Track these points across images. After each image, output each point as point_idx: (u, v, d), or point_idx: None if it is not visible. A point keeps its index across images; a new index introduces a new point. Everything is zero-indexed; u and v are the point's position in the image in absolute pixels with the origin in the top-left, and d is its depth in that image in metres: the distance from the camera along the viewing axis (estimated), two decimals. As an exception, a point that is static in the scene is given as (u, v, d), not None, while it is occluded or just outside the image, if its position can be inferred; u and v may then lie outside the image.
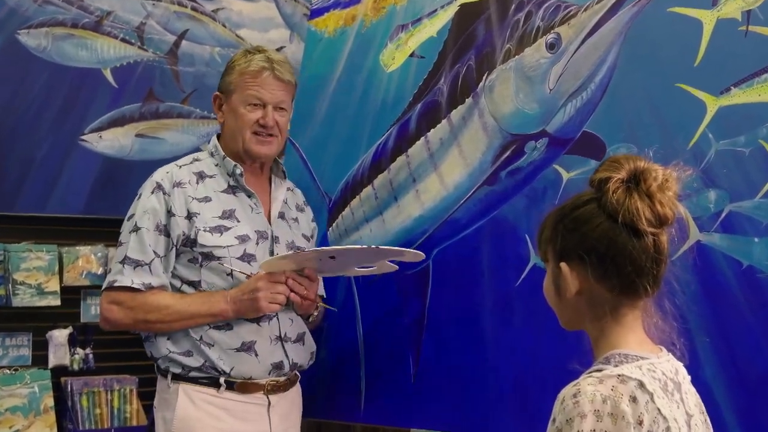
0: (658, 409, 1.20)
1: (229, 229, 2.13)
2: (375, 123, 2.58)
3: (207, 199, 2.14)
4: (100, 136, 3.10)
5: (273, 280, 2.07)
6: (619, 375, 1.21)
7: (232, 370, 2.09)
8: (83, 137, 3.08)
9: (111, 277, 2.10)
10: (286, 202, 2.30)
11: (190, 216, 2.10)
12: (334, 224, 2.61)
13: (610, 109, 2.05)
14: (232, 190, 2.19)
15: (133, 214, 2.12)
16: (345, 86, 2.71)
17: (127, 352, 2.95)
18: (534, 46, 2.20)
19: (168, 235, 2.09)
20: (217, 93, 2.24)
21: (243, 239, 2.13)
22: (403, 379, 2.34)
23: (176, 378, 2.10)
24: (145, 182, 2.17)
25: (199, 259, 2.10)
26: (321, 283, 2.38)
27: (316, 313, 2.26)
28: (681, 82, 1.92)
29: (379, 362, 2.41)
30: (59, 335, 2.93)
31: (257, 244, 2.16)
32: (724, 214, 1.85)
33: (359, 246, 2.08)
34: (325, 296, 2.42)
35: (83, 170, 3.08)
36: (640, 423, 1.18)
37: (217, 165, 2.21)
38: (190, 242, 2.09)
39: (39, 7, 3.03)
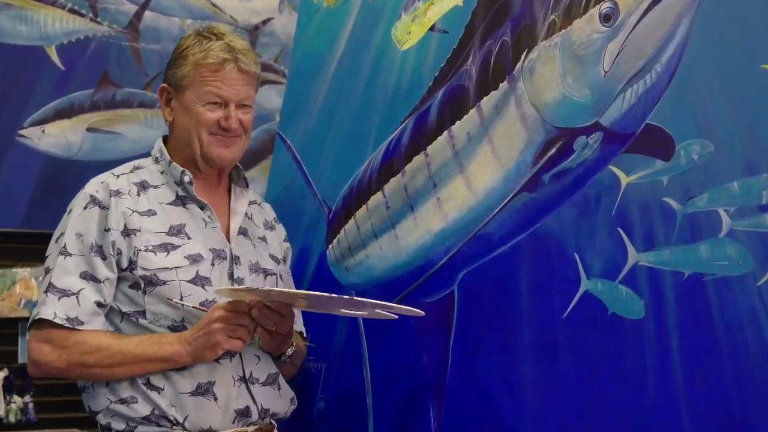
0: None
1: (178, 247, 2.19)
2: (386, 114, 2.60)
3: (151, 213, 2.22)
4: (43, 131, 3.12)
5: (234, 309, 2.11)
6: None
7: (186, 419, 2.13)
8: (22, 132, 3.11)
9: (36, 310, 2.15)
10: (250, 218, 2.37)
11: (128, 233, 2.17)
12: (335, 240, 2.63)
13: (679, 96, 2.06)
14: (181, 201, 2.26)
15: (62, 234, 2.19)
16: (348, 68, 2.73)
17: (74, 401, 2.93)
18: (585, 17, 2.21)
19: (104, 257, 2.16)
20: (165, 85, 2.31)
21: (195, 259, 2.19)
22: (421, 434, 2.36)
23: None
24: (76, 196, 2.25)
25: (142, 285, 2.15)
26: (300, 318, 2.42)
27: (289, 353, 2.30)
28: (768, 62, 1.94)
29: (391, 413, 2.43)
30: (-8, 379, 2.95)
31: (213, 264, 2.21)
32: (823, 228, 1.86)
33: (329, 294, 2.09)
34: (305, 333, 2.47)
35: (22, 173, 3.11)
36: None
37: (162, 173, 2.29)
38: (130, 265, 2.16)
39: (-33, -30, 3.07)
